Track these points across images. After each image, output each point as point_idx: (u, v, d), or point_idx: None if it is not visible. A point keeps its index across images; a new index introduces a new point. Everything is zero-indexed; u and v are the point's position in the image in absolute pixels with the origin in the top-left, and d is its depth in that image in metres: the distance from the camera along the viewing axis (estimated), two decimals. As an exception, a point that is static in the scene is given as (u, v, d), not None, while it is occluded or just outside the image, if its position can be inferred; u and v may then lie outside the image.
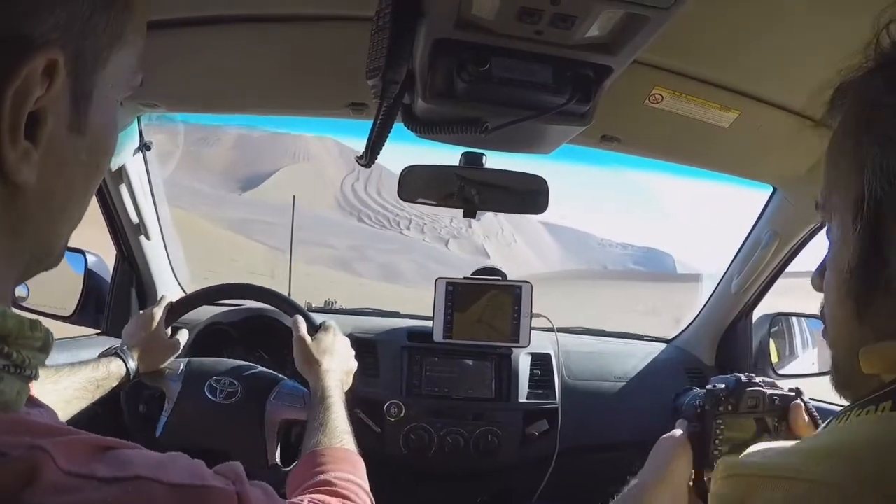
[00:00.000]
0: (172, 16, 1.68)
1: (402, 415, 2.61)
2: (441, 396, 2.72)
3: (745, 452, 0.89)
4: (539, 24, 1.14)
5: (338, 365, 1.97)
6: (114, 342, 2.19)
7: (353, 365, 2.08)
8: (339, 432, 1.68)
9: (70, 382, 1.82)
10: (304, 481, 1.44)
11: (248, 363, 2.31)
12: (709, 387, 1.60)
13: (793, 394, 1.57)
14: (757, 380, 1.58)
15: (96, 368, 1.93)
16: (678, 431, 1.62)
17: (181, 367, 2.17)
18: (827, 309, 0.97)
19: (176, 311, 2.26)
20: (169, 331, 2.22)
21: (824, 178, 0.96)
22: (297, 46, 1.77)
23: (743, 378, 1.57)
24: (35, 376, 0.71)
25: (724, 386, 1.58)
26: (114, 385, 1.97)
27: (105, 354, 2.02)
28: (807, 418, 1.53)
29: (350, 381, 2.05)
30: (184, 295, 2.41)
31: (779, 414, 1.56)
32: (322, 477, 1.45)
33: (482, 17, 1.16)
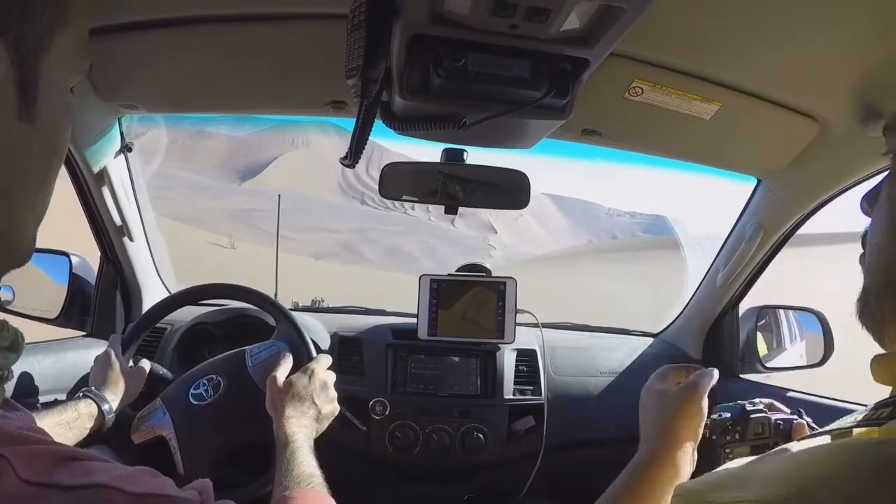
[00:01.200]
0: (150, 17, 1.68)
1: (387, 413, 2.61)
2: (426, 394, 2.71)
3: (705, 474, 0.90)
4: (514, 18, 1.14)
5: (305, 413, 1.94)
6: (100, 343, 2.20)
7: (329, 410, 2.03)
8: (306, 476, 1.67)
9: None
10: None
11: (212, 357, 2.34)
12: (714, 416, 1.61)
13: (794, 416, 1.57)
14: (760, 406, 1.58)
15: (64, 411, 1.94)
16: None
17: (158, 404, 2.18)
18: (871, 235, 0.97)
19: (130, 340, 2.30)
20: (131, 360, 2.27)
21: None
22: (275, 46, 1.76)
23: (747, 406, 1.59)
24: (7, 377, 0.72)
25: (728, 415, 1.60)
26: (88, 425, 1.98)
27: (75, 398, 2.03)
28: None
29: (323, 426, 2.00)
30: (134, 323, 2.41)
31: (783, 438, 1.56)
32: None
33: (456, 12, 1.15)
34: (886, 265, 0.90)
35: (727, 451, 1.55)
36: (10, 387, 0.72)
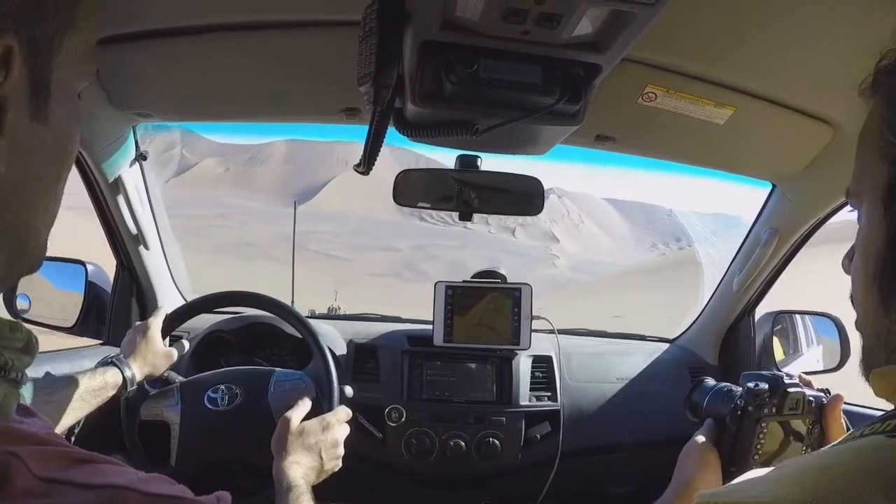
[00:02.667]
0: (163, 25, 1.68)
1: (402, 419, 2.61)
2: (442, 400, 2.71)
3: (727, 485, 0.89)
4: (525, 24, 1.13)
5: (310, 463, 1.91)
6: (115, 352, 2.20)
7: (332, 467, 1.99)
8: None
9: (67, 394, 1.84)
10: None
11: (237, 367, 2.34)
12: (749, 385, 1.55)
13: (823, 394, 1.53)
14: (795, 379, 1.53)
15: (93, 378, 1.95)
16: (701, 438, 1.59)
17: (175, 391, 2.19)
18: (854, 294, 0.97)
19: (173, 320, 2.29)
20: (167, 341, 2.25)
21: (854, 164, 0.97)
22: (289, 53, 1.76)
23: (785, 378, 1.53)
24: (22, 380, 0.71)
25: (766, 386, 1.53)
26: (111, 394, 1.99)
27: (101, 364, 2.05)
28: (843, 419, 1.50)
29: (319, 480, 1.95)
30: (182, 304, 2.41)
31: (814, 416, 1.53)
32: None
33: (467, 18, 1.15)
34: (873, 321, 0.90)
35: (763, 424, 1.49)
36: (27, 391, 0.72)
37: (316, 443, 1.93)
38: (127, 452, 2.17)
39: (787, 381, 1.51)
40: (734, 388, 1.66)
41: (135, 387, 2.07)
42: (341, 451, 2.01)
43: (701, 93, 1.79)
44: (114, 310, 2.74)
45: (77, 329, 2.63)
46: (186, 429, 2.12)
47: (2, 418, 0.68)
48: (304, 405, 2.04)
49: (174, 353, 2.23)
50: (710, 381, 1.77)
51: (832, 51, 1.51)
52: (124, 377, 2.02)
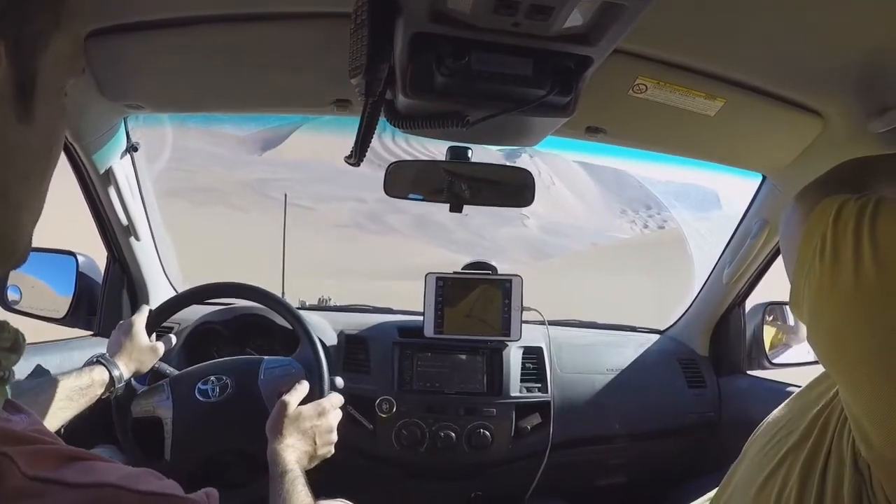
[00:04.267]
0: (154, 17, 1.68)
1: (393, 411, 2.62)
2: (432, 392, 2.72)
3: None
4: (516, 15, 1.13)
5: (304, 447, 1.93)
6: (106, 343, 2.20)
7: (324, 452, 2.01)
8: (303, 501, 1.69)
9: (53, 394, 1.84)
10: None
11: (227, 357, 2.35)
12: None
13: None
14: None
15: (79, 377, 1.96)
16: None
17: (165, 386, 2.20)
18: None
19: (158, 316, 2.31)
20: (154, 336, 2.27)
21: None
22: (280, 45, 1.76)
23: None
24: (8, 378, 0.72)
25: None
26: (98, 392, 2.00)
27: (88, 363, 2.05)
28: None
29: (311, 465, 1.97)
30: (166, 299, 2.41)
31: None
32: None
33: (458, 10, 1.15)
34: None
35: None
36: (9, 389, 0.72)
37: (311, 427, 1.95)
38: (117, 444, 2.18)
39: None
40: None
41: (122, 384, 2.08)
42: (335, 437, 2.03)
43: (691, 84, 1.79)
44: (105, 300, 2.75)
45: (68, 320, 2.64)
46: (179, 422, 2.12)
47: None
48: (301, 390, 2.06)
49: (160, 347, 2.24)
50: None
51: (822, 43, 1.52)
52: (111, 376, 2.03)
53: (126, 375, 2.10)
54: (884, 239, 0.96)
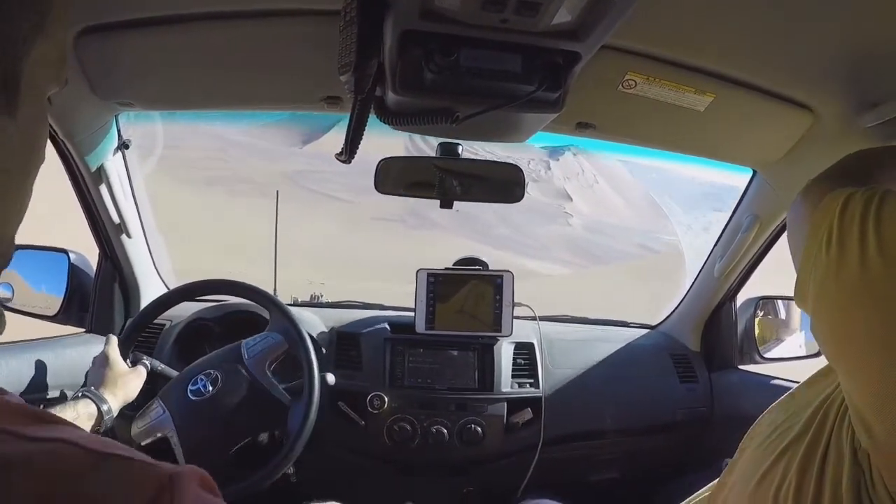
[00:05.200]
0: (144, 15, 1.68)
1: (385, 407, 2.62)
2: (424, 388, 2.73)
3: None
4: (504, 12, 1.13)
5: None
6: (99, 340, 2.21)
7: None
8: None
9: None
10: None
11: (207, 353, 2.38)
12: None
13: None
14: None
15: (63, 411, 1.96)
16: None
17: (156, 403, 2.21)
18: None
19: (126, 341, 2.33)
20: (129, 361, 2.29)
21: None
22: (271, 42, 1.76)
23: None
24: None
25: None
26: (88, 426, 1.99)
27: (74, 397, 2.05)
28: None
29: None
30: (131, 319, 2.43)
31: None
32: None
33: (447, 7, 1.15)
34: None
35: None
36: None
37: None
38: None
39: None
40: None
41: (111, 416, 2.07)
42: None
43: (681, 80, 1.79)
44: (97, 298, 2.74)
45: (60, 317, 2.63)
46: (184, 431, 2.13)
47: None
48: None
49: (142, 370, 2.27)
50: None
51: (811, 37, 1.52)
52: (99, 409, 2.03)
53: (116, 407, 2.10)
54: (888, 232, 0.98)
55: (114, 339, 2.25)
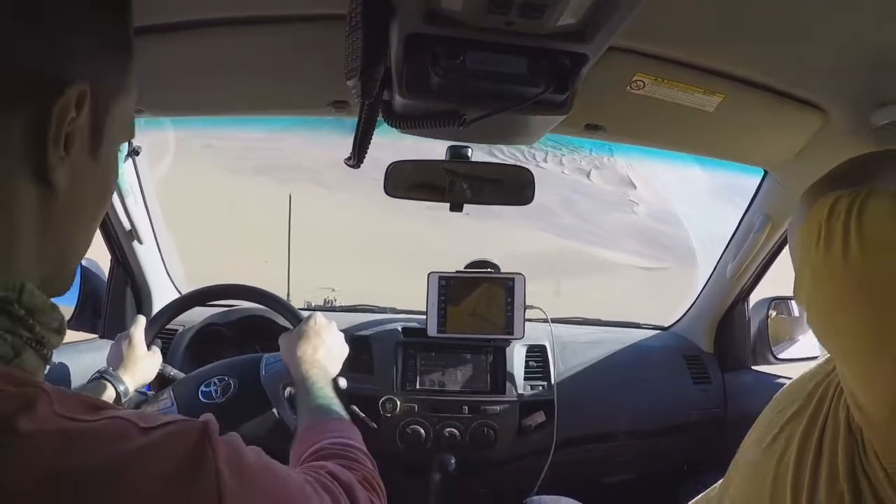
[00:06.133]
0: (150, 22, 1.68)
1: (397, 410, 2.64)
2: (436, 391, 2.74)
3: None
4: (509, 14, 1.13)
5: (314, 349, 2.02)
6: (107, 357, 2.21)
7: (339, 349, 2.10)
8: (325, 407, 1.73)
9: None
10: (300, 455, 1.46)
11: (227, 358, 2.35)
12: None
13: None
14: None
15: (82, 392, 1.95)
16: None
17: (168, 394, 2.19)
18: None
19: (153, 325, 2.31)
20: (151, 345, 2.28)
21: None
22: (277, 48, 1.76)
23: None
24: (49, 357, 0.79)
25: None
26: None
27: (92, 380, 2.07)
28: None
29: (337, 365, 2.07)
30: (161, 307, 2.42)
31: None
32: (316, 446, 1.46)
33: (452, 10, 1.15)
34: None
35: None
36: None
37: (307, 333, 2.07)
38: None
39: None
40: None
41: (128, 398, 2.09)
42: (340, 334, 2.16)
43: (689, 80, 1.78)
44: (109, 304, 2.76)
45: (73, 323, 2.63)
46: None
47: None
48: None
49: (158, 354, 2.28)
50: None
51: (821, 37, 1.51)
52: (117, 391, 2.05)
53: (132, 388, 2.11)
54: (868, 227, 1.04)
55: (142, 320, 2.26)
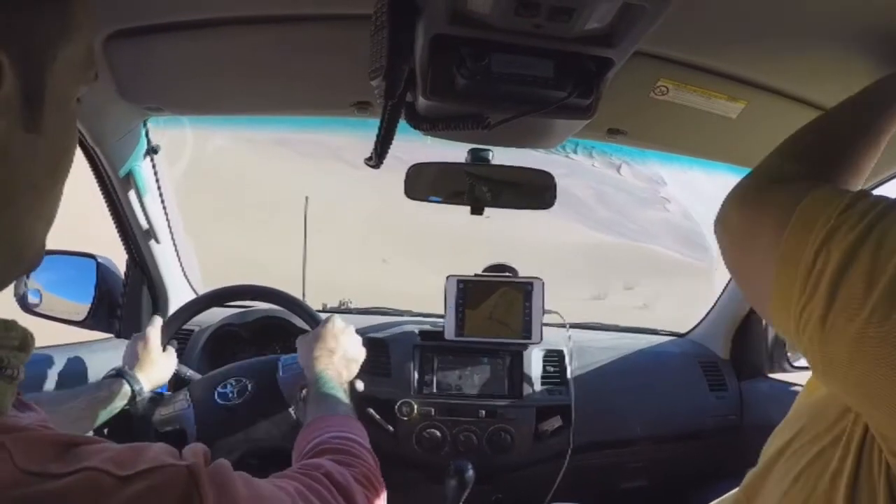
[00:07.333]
0: (173, 19, 1.68)
1: (414, 414, 2.63)
2: (453, 395, 2.74)
3: None
4: (537, 17, 1.13)
5: (330, 352, 2.02)
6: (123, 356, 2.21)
7: (354, 353, 2.10)
8: (332, 404, 1.74)
9: (73, 404, 1.87)
10: (301, 450, 1.47)
11: (244, 360, 2.34)
12: None
13: None
14: None
15: (98, 388, 1.98)
16: None
17: (184, 395, 2.18)
18: None
19: (170, 326, 2.30)
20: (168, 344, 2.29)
21: None
22: (299, 47, 1.76)
23: None
24: (18, 376, 0.74)
25: None
26: (119, 405, 2.01)
27: (108, 376, 2.06)
28: None
29: (352, 369, 2.08)
30: (180, 307, 2.41)
31: None
32: (316, 440, 1.46)
33: (478, 11, 1.15)
34: None
35: None
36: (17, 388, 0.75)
37: (324, 335, 2.07)
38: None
39: None
40: None
41: (144, 397, 2.09)
42: (357, 338, 2.16)
43: (712, 86, 1.77)
44: (125, 303, 2.75)
45: (89, 322, 2.64)
46: (202, 431, 2.11)
47: (1, 415, 0.71)
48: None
49: (174, 354, 2.28)
50: None
51: (845, 45, 1.50)
52: (132, 389, 2.04)
53: (147, 388, 2.11)
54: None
55: (158, 320, 2.25)
